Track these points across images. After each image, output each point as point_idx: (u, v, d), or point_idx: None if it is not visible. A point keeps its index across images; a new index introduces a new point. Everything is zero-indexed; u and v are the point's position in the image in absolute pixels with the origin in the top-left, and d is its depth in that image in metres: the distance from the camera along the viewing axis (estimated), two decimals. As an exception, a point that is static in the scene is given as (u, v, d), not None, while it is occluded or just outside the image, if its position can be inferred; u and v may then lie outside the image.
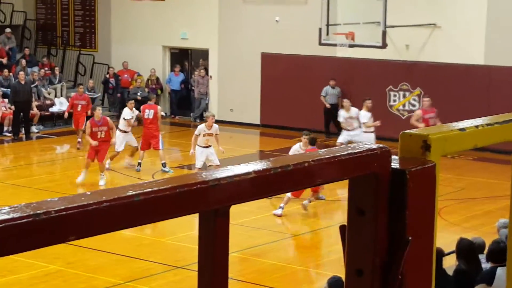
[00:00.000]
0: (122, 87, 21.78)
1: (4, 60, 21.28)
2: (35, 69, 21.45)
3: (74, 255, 10.14)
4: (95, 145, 13.88)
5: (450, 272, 6.55)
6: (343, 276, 1.43)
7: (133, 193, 1.06)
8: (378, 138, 15.10)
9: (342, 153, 1.30)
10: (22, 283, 9.41)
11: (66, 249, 10.00)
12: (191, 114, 21.41)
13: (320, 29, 16.45)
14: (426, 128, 1.48)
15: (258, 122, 20.10)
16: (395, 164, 1.36)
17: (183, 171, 15.24)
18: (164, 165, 15.10)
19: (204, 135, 13.85)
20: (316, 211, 12.97)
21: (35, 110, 19.46)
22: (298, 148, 12.38)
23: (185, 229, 10.94)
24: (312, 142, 12.33)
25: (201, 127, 14.04)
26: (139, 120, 15.75)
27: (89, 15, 22.80)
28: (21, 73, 19.45)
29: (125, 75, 21.85)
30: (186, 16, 20.93)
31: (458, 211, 12.52)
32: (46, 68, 21.58)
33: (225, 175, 1.16)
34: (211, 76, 20.97)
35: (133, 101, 15.81)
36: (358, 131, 15.35)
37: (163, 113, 21.30)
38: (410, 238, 1.35)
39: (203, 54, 21.35)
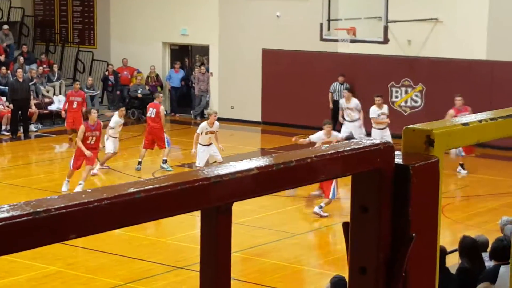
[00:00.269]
0: (121, 85, 21.75)
1: (2, 57, 21.22)
2: (33, 66, 21.39)
3: (74, 256, 10.10)
4: (88, 155, 13.21)
5: (453, 270, 6.54)
6: (345, 275, 1.42)
7: (134, 190, 1.05)
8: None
9: (345, 149, 1.28)
10: (21, 284, 9.37)
11: (65, 250, 9.98)
12: (192, 112, 21.38)
13: (321, 25, 16.42)
14: (429, 123, 1.47)
15: (259, 119, 20.07)
16: (398, 160, 1.35)
17: (184, 170, 15.21)
18: (164, 161, 15.05)
19: (206, 133, 13.83)
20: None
21: (33, 108, 19.37)
22: (322, 135, 12.41)
23: (186, 229, 10.93)
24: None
25: (203, 125, 14.01)
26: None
27: (88, 11, 22.77)
28: (19, 70, 19.40)
29: (125, 72, 21.83)
30: (186, 12, 20.90)
31: (461, 208, 12.50)
32: (45, 66, 21.52)
33: (227, 171, 1.15)
34: (211, 73, 20.94)
35: (123, 109, 15.61)
36: (357, 122, 16.01)
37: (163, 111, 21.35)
38: (414, 234, 1.34)
39: (203, 50, 21.33)
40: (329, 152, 1.27)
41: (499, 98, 16.37)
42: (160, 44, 21.67)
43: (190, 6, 20.81)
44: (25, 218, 0.95)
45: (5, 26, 22.46)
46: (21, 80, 19.03)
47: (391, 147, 1.34)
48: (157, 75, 21.67)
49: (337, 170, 1.29)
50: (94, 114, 13.81)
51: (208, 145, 13.87)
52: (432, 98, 17.77)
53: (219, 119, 15.58)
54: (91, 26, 22.80)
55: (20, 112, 18.78)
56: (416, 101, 18.14)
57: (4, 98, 19.33)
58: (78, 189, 12.98)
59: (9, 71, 20.50)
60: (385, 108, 15.44)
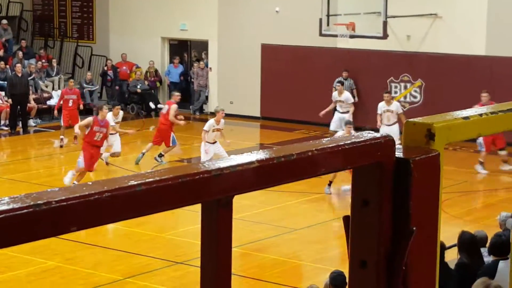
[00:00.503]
0: (120, 80, 21.73)
1: (1, 52, 21.17)
2: (32, 61, 21.36)
3: (73, 251, 10.09)
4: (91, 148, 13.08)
5: (452, 266, 6.54)
6: (344, 270, 1.42)
7: (135, 183, 1.05)
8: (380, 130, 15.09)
9: (346, 142, 1.28)
10: (19, 279, 9.35)
11: (64, 245, 9.97)
12: (191, 107, 21.36)
13: (320, 20, 16.40)
14: (429, 116, 1.47)
15: (258, 114, 20.06)
16: (399, 153, 1.35)
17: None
18: (160, 155, 15.04)
19: (213, 131, 13.87)
20: (318, 205, 12.97)
21: (32, 103, 19.35)
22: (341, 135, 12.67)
23: (185, 224, 10.92)
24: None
25: (211, 122, 14.03)
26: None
27: (87, 6, 22.72)
28: (18, 65, 19.36)
29: (124, 67, 21.80)
30: (185, 7, 20.86)
31: (460, 204, 12.50)
32: (43, 60, 21.50)
33: (228, 164, 1.14)
34: (210, 68, 20.92)
35: (119, 107, 15.54)
36: (347, 115, 16.41)
37: (162, 106, 21.34)
38: (414, 228, 1.34)
39: (202, 45, 21.30)
40: (330, 146, 1.27)
41: (499, 93, 16.36)
42: (159, 39, 21.64)
43: (189, 1, 20.78)
44: (25, 210, 0.95)
45: (4, 21, 22.41)
46: (20, 75, 19.00)
47: (392, 140, 1.34)
48: (156, 70, 21.65)
49: (337, 163, 1.29)
50: (105, 110, 13.66)
51: (213, 143, 13.90)
52: (431, 93, 17.77)
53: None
54: (90, 21, 22.76)
55: (19, 107, 18.76)
56: (415, 97, 18.13)
57: (3, 93, 19.28)
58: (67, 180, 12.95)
59: (7, 66, 20.46)
60: (393, 105, 15.27)
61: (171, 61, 21.78)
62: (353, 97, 18.34)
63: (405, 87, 18.26)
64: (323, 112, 16.67)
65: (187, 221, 10.93)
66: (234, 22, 20.14)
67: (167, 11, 21.15)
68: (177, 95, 15.86)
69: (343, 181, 12.43)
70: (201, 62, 21.01)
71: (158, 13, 21.29)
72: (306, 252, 10.47)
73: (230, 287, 1.17)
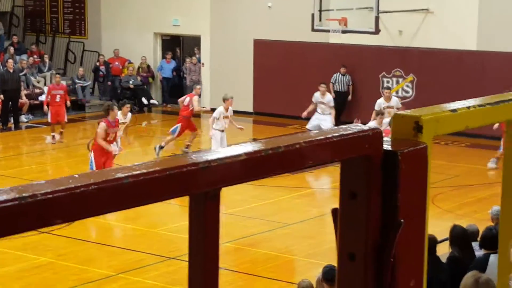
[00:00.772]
0: (113, 75, 21.67)
1: (-8, 48, 21.16)
2: (24, 57, 21.29)
3: (65, 247, 10.06)
4: (112, 151, 12.35)
5: (443, 259, 6.57)
6: (336, 263, 1.42)
7: (122, 175, 1.05)
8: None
9: (334, 135, 1.28)
10: (11, 275, 9.28)
11: (56, 241, 9.95)
12: (183, 102, 21.35)
13: (312, 15, 16.40)
14: (418, 109, 1.47)
15: (251, 110, 20.06)
16: (387, 146, 1.35)
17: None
18: (160, 147, 14.99)
19: (223, 118, 13.99)
20: (310, 200, 12.99)
21: (24, 99, 19.28)
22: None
23: (178, 219, 10.91)
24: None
25: (220, 109, 14.21)
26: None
27: (79, 1, 22.64)
28: (10, 61, 19.28)
29: (116, 63, 21.74)
30: (177, 2, 20.82)
31: (451, 198, 12.54)
32: (35, 56, 21.42)
33: (216, 157, 1.14)
34: (203, 64, 20.90)
35: (129, 105, 14.28)
36: (328, 116, 16.23)
37: (155, 102, 21.31)
38: (402, 220, 1.34)
39: (194, 40, 21.27)
40: (318, 138, 1.27)
41: (490, 88, 16.40)
42: (151, 34, 21.59)
43: (181, -4, 20.74)
44: (10, 203, 0.94)
45: (-5, 17, 22.34)
46: (11, 70, 18.93)
47: (380, 133, 1.34)
48: (148, 66, 21.60)
49: (326, 156, 1.29)
50: (116, 111, 12.78)
51: (223, 130, 14.07)
52: (423, 88, 17.80)
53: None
54: (81, 16, 22.67)
55: (10, 102, 18.69)
56: (407, 91, 18.16)
57: (-6, 89, 19.24)
58: None
59: (-1, 62, 20.41)
60: (393, 101, 15.11)
61: (163, 57, 21.74)
62: (349, 93, 18.36)
63: (397, 82, 18.28)
64: (304, 113, 16.51)
65: (180, 216, 10.93)
66: (226, 17, 20.11)
67: (159, 6, 21.10)
68: (198, 88, 16.28)
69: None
70: (194, 58, 20.99)
71: (150, 8, 21.23)
72: (299, 246, 10.48)
73: (218, 280, 1.18)
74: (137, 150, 15.45)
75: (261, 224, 11.17)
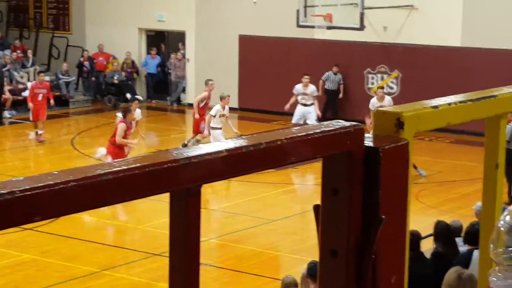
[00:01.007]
0: (97, 71, 21.57)
1: (-25, 43, 20.97)
2: (7, 52, 21.14)
3: (49, 243, 10.01)
4: (134, 144, 12.79)
5: (427, 255, 6.60)
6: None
7: (102, 172, 1.04)
8: (359, 122, 15.12)
9: (316, 131, 1.28)
10: (-7, 272, 9.29)
11: (40, 237, 9.89)
12: (168, 98, 21.29)
13: (298, 11, 16.41)
14: (399, 105, 1.47)
15: (236, 106, 20.05)
16: (368, 142, 1.35)
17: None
18: (184, 145, 15.00)
19: (220, 116, 13.98)
20: (295, 196, 13.01)
21: (7, 95, 19.14)
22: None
23: (162, 216, 10.88)
24: None
25: (217, 107, 14.21)
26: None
27: (63, -4, 22.51)
28: (-7, 56, 19.17)
29: (100, 58, 21.63)
30: (162, -2, 20.74)
31: (435, 194, 12.61)
32: (18, 51, 21.27)
33: (197, 153, 1.14)
34: (188, 59, 20.85)
35: (137, 102, 14.11)
36: (311, 108, 16.22)
37: (139, 97, 21.21)
38: (383, 216, 1.34)
39: (179, 36, 21.20)
40: (299, 135, 1.27)
41: (474, 85, 16.49)
42: (136, 30, 21.50)
43: (166, -9, 20.66)
44: (-12, 200, 0.93)
45: (-22, 11, 22.14)
46: (-6, 66, 18.81)
47: (361, 129, 1.34)
48: (133, 62, 21.52)
49: (307, 152, 1.29)
50: (133, 112, 12.92)
51: (220, 128, 14.08)
52: (408, 84, 17.88)
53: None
54: (65, 11, 22.52)
55: (-7, 98, 18.57)
56: (392, 88, 18.22)
57: (-23, 85, 19.07)
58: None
59: (-18, 57, 20.24)
60: (386, 100, 14.94)
61: (148, 52, 21.66)
62: (340, 91, 18.40)
63: (382, 78, 18.34)
64: (287, 105, 16.54)
65: (164, 212, 10.82)
66: (211, 13, 20.06)
67: (144, 1, 21.01)
68: (211, 83, 15.63)
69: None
70: (179, 53, 20.93)
71: (135, 3, 21.14)
72: (284, 243, 10.51)
73: (199, 276, 1.17)
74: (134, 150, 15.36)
75: (246, 221, 11.18)
